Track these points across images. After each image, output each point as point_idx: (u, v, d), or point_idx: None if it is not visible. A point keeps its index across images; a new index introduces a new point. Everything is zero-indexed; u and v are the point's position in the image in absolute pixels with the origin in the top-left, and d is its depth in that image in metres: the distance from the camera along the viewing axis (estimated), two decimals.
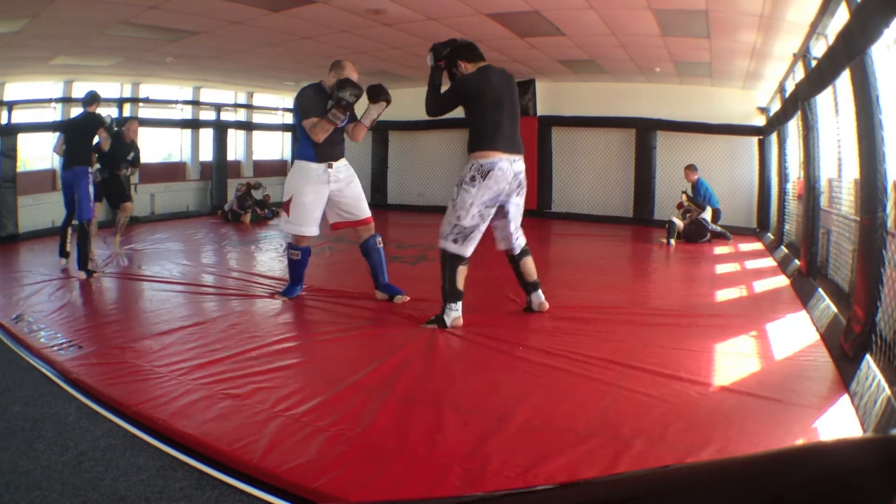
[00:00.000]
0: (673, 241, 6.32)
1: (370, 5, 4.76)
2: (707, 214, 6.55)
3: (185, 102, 9.10)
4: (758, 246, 6.50)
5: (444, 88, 3.18)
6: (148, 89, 8.52)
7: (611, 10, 4.79)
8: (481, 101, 3.05)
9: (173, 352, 2.69)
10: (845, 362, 2.50)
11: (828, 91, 4.02)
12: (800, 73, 4.81)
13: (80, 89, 7.33)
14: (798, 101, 4.48)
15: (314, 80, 3.70)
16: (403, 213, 9.36)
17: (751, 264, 5.39)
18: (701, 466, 0.73)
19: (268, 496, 1.59)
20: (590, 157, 8.73)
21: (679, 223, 6.44)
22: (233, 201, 8.19)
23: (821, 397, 2.25)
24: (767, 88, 7.12)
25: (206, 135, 9.30)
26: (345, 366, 2.56)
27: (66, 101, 7.31)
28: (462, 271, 3.15)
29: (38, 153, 7.34)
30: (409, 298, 3.64)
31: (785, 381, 2.41)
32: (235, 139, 10.06)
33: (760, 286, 4.43)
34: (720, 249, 6.17)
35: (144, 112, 8.51)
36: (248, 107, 10.19)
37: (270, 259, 5.26)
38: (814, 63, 4.02)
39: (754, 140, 7.76)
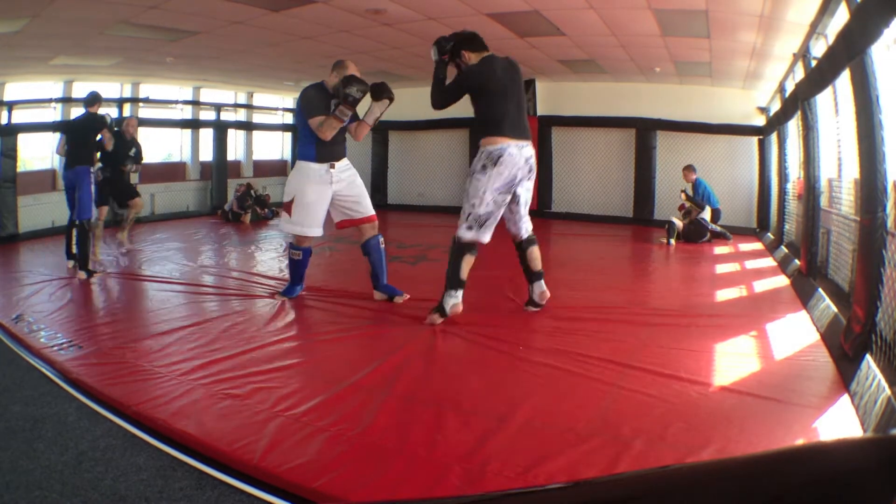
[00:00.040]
0: (673, 241, 6.32)
1: (370, 5, 4.76)
2: (707, 214, 6.56)
3: (185, 102, 9.10)
4: (758, 246, 6.50)
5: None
6: (148, 89, 8.52)
7: (611, 10, 4.79)
8: (487, 90, 3.09)
9: (173, 352, 2.70)
10: (845, 362, 2.50)
11: (828, 91, 4.02)
12: (800, 73, 4.81)
13: (80, 89, 7.33)
14: (798, 101, 4.48)
15: (314, 80, 3.70)
16: (403, 213, 9.36)
17: (751, 264, 5.39)
18: (701, 466, 0.73)
19: (268, 496, 1.59)
20: (590, 157, 8.73)
21: (678, 223, 6.45)
22: (233, 201, 8.19)
23: (821, 397, 2.25)
24: (767, 88, 7.12)
25: (206, 135, 9.30)
26: (345, 366, 2.56)
27: (66, 101, 7.31)
28: (468, 260, 3.18)
29: (38, 153, 7.35)
30: (408, 296, 3.64)
31: (785, 381, 2.41)
32: (235, 139, 10.05)
33: (760, 286, 4.43)
34: (720, 249, 6.17)
35: (144, 112, 8.51)
36: (248, 107, 10.19)
37: (270, 259, 5.26)
38: (814, 63, 4.02)
39: (754, 140, 7.76)
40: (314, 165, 3.46)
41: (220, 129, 9.30)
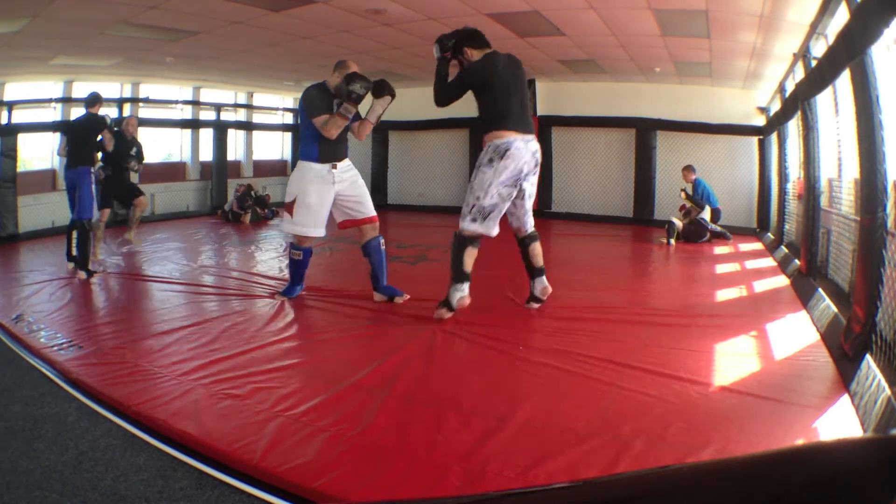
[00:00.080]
0: (673, 241, 6.32)
1: (370, 5, 4.76)
2: (706, 214, 6.56)
3: (185, 102, 9.10)
4: (758, 246, 6.50)
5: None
6: (148, 89, 8.52)
7: (611, 10, 4.79)
8: (490, 86, 3.10)
9: (173, 352, 2.69)
10: (845, 362, 2.50)
11: (828, 91, 4.02)
12: (800, 73, 4.82)
13: (80, 89, 7.33)
14: (798, 101, 4.48)
15: (314, 80, 3.70)
16: (403, 213, 9.36)
17: (751, 264, 5.39)
18: (701, 466, 0.73)
19: (268, 496, 1.59)
20: (590, 157, 8.73)
21: (678, 223, 6.45)
22: (233, 201, 8.20)
23: (821, 397, 2.25)
24: (767, 88, 7.12)
25: (206, 135, 9.30)
26: (345, 366, 2.56)
27: (66, 101, 7.31)
28: (470, 253, 3.18)
29: (38, 153, 7.34)
30: (408, 297, 3.64)
31: (785, 381, 2.41)
32: (235, 139, 10.05)
33: (760, 286, 4.42)
34: (720, 249, 6.17)
35: (144, 112, 8.51)
36: (248, 107, 10.19)
37: (270, 259, 5.26)
38: (814, 63, 4.02)
39: (754, 140, 7.76)
40: (316, 166, 3.46)
41: (220, 129, 9.30)
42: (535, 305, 3.47)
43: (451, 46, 3.21)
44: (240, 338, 2.90)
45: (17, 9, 4.41)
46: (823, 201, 4.47)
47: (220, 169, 9.23)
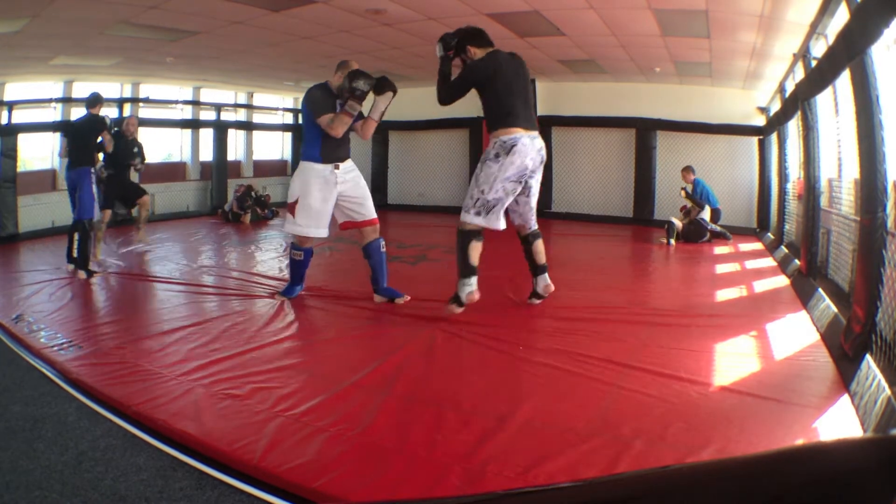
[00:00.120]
0: (673, 242, 6.32)
1: (370, 5, 4.76)
2: (706, 214, 6.56)
3: (185, 102, 9.10)
4: (758, 246, 6.50)
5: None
6: (148, 89, 8.51)
7: (611, 10, 4.79)
8: (493, 84, 3.12)
9: (173, 352, 2.70)
10: (845, 362, 2.50)
11: (828, 91, 4.02)
12: (800, 73, 4.81)
13: (80, 89, 7.33)
14: (798, 101, 4.48)
15: (314, 80, 3.71)
16: (403, 213, 9.36)
17: (751, 264, 5.39)
18: (701, 466, 0.73)
19: (268, 496, 1.59)
20: (590, 157, 8.73)
21: (678, 223, 6.45)
22: (233, 202, 8.19)
23: (821, 397, 2.25)
24: (767, 88, 7.12)
25: (206, 135, 9.29)
26: (345, 366, 2.56)
27: (67, 101, 7.30)
28: (475, 246, 3.19)
29: (38, 153, 7.34)
30: (409, 298, 3.64)
31: (785, 381, 2.41)
32: (235, 139, 10.05)
33: (760, 286, 4.42)
34: (720, 249, 6.17)
35: (144, 112, 8.51)
36: (249, 107, 10.19)
37: (270, 259, 5.26)
38: (814, 63, 4.02)
39: (754, 140, 7.76)
40: (318, 166, 3.46)
41: (220, 129, 9.29)
42: (537, 301, 3.49)
43: (454, 45, 3.23)
44: (240, 338, 2.90)
45: (17, 9, 4.41)
46: (823, 201, 4.46)
47: (220, 169, 9.22)
